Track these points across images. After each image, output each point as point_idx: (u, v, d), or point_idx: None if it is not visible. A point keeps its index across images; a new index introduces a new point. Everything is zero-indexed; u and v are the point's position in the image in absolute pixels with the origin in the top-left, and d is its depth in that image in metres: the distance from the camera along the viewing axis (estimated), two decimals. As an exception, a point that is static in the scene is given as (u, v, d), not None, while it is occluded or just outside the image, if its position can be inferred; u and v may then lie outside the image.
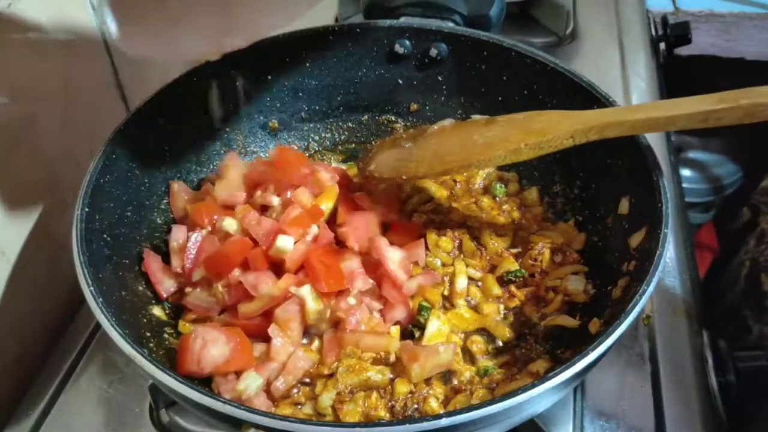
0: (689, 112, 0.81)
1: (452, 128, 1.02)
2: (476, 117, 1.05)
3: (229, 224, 0.98)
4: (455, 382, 0.89)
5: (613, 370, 0.98)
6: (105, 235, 0.90)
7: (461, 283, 0.99)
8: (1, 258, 0.96)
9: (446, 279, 1.01)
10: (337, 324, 0.92)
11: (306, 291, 0.90)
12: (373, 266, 0.97)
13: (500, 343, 0.96)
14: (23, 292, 1.01)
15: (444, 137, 1.00)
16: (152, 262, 0.97)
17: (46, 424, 0.95)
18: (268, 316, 0.91)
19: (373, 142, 1.26)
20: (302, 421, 0.66)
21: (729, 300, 1.29)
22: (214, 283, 0.94)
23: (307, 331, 0.93)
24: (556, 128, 0.88)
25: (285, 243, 0.93)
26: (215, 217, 1.00)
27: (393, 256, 0.96)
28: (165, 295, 0.97)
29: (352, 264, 0.95)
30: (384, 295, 0.94)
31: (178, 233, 1.00)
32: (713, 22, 1.93)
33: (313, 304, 0.90)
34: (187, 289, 0.97)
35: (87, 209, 0.86)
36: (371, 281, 0.95)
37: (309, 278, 0.92)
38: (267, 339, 0.89)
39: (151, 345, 0.89)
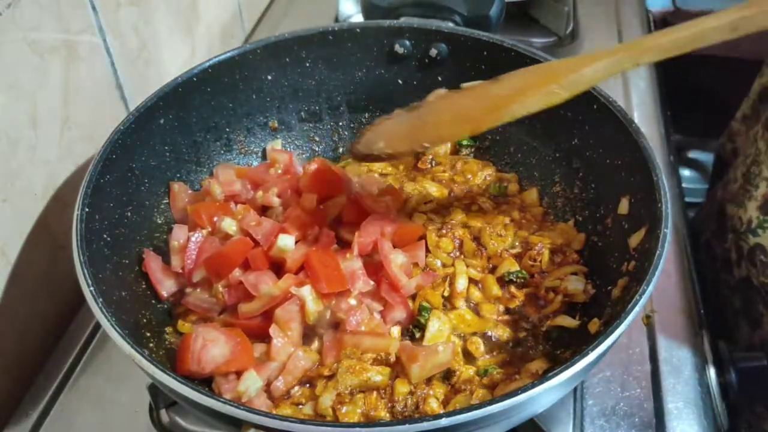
0: (717, 25, 0.78)
1: (461, 92, 0.95)
2: (476, 82, 0.95)
3: (229, 225, 0.98)
4: (455, 382, 0.89)
5: (613, 370, 0.98)
6: (105, 235, 0.90)
7: (461, 283, 0.99)
8: (1, 258, 0.96)
9: (446, 280, 1.01)
10: (337, 325, 0.92)
11: (306, 291, 0.90)
12: (374, 267, 0.97)
13: (500, 343, 0.96)
14: (23, 292, 1.01)
15: (457, 99, 0.93)
16: (152, 263, 0.97)
17: (46, 424, 0.95)
18: (268, 316, 0.91)
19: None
20: (302, 421, 0.66)
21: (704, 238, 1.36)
22: (215, 283, 0.94)
23: (308, 332, 0.93)
24: (588, 64, 0.84)
25: (286, 242, 0.93)
26: (215, 217, 1.00)
27: (396, 259, 0.96)
28: (165, 296, 0.97)
29: (353, 265, 0.95)
30: (383, 296, 0.94)
31: (179, 233, 1.00)
32: (713, 22, 1.93)
33: (313, 305, 0.90)
34: (188, 290, 0.97)
35: (87, 209, 0.86)
36: (372, 282, 0.95)
37: (309, 279, 0.92)
38: (267, 339, 0.89)
39: (151, 345, 0.89)
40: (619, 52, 0.84)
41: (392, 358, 0.88)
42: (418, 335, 0.94)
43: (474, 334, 0.96)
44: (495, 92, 0.89)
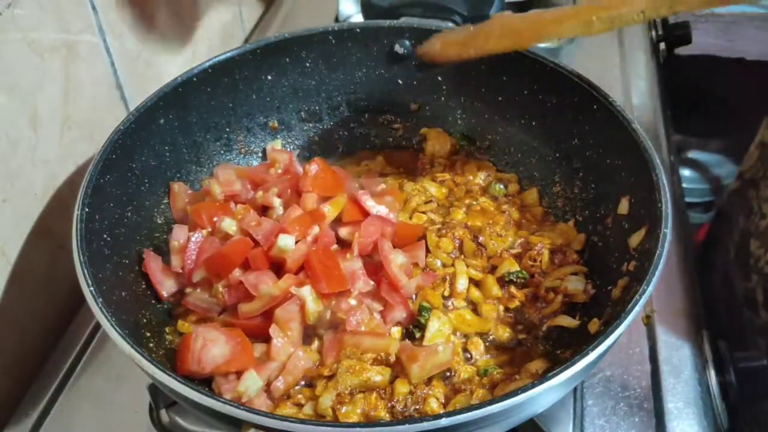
0: None
1: (516, 15, 1.04)
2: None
3: (229, 225, 0.98)
4: (455, 382, 0.89)
5: (613, 370, 0.98)
6: (105, 235, 0.90)
7: (462, 283, 0.99)
8: (1, 258, 0.96)
9: (446, 280, 1.01)
10: (337, 325, 0.92)
11: (306, 291, 0.90)
12: (374, 267, 0.97)
13: (500, 343, 0.96)
14: (23, 292, 1.01)
15: (509, 19, 1.03)
16: (152, 263, 0.97)
17: (46, 424, 0.95)
18: (268, 316, 0.91)
19: (374, 142, 1.26)
20: (302, 421, 0.66)
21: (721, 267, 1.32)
22: (215, 283, 0.94)
23: (308, 332, 0.93)
24: (629, 3, 0.90)
25: (286, 242, 0.93)
26: (215, 217, 1.00)
27: (396, 259, 0.96)
28: (165, 296, 0.97)
29: (353, 265, 0.95)
30: (383, 296, 0.94)
31: (179, 233, 1.00)
32: (713, 22, 1.93)
33: (313, 305, 0.90)
34: (188, 290, 0.97)
35: (87, 209, 0.86)
36: (372, 282, 0.95)
37: (309, 279, 0.92)
38: (267, 339, 0.89)
39: (151, 345, 0.89)
40: None
41: (392, 358, 0.88)
42: (418, 335, 0.94)
43: (474, 334, 0.96)
44: (541, 17, 0.99)
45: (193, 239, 0.98)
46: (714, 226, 1.46)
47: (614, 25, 0.91)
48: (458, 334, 0.96)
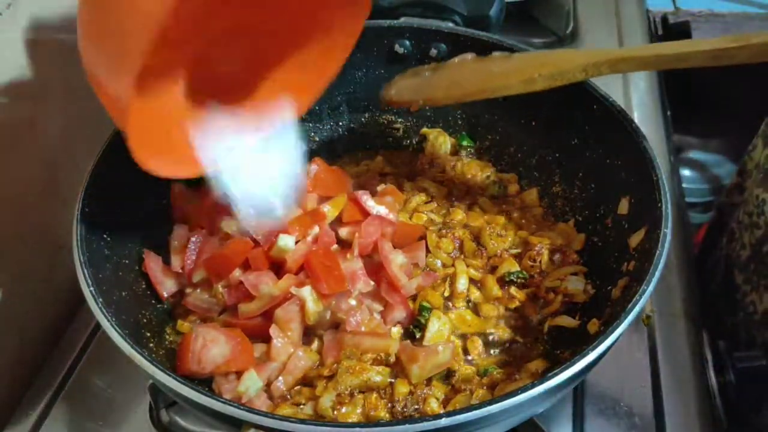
0: (701, 50, 0.82)
1: (472, 61, 1.06)
2: (497, 53, 1.08)
3: (229, 225, 0.98)
4: (455, 382, 0.89)
5: (613, 370, 0.98)
6: (105, 235, 0.90)
7: (462, 283, 0.99)
8: (1, 258, 0.96)
9: (447, 280, 1.01)
10: (337, 325, 0.92)
11: (306, 292, 0.90)
12: (374, 268, 0.97)
13: (500, 343, 0.96)
14: (23, 292, 1.01)
15: (462, 67, 1.06)
16: (152, 263, 0.97)
17: (46, 424, 0.95)
18: (268, 316, 0.91)
19: (374, 142, 1.26)
20: (302, 421, 0.66)
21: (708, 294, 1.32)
22: (215, 283, 0.94)
23: (308, 332, 0.93)
24: (571, 61, 0.92)
25: (287, 242, 0.93)
26: (215, 217, 1.00)
27: (396, 259, 0.96)
28: (165, 296, 0.97)
29: (354, 265, 0.95)
30: (383, 297, 0.94)
31: (179, 233, 1.00)
32: (713, 22, 1.93)
33: (313, 305, 0.90)
34: (188, 290, 0.97)
35: (87, 209, 0.86)
36: (372, 283, 0.95)
37: (310, 279, 0.92)
38: (267, 339, 0.89)
39: (151, 345, 0.89)
40: (599, 56, 0.90)
41: (392, 359, 0.88)
42: (418, 335, 0.94)
43: (474, 334, 0.96)
44: (488, 69, 1.02)
45: (193, 239, 0.98)
46: (717, 212, 1.46)
47: (556, 82, 0.93)
48: (459, 334, 0.96)
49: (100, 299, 0.77)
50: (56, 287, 1.08)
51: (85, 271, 0.80)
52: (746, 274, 1.15)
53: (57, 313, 1.09)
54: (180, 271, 0.97)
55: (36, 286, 1.04)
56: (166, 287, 0.97)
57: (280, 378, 0.87)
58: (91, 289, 0.78)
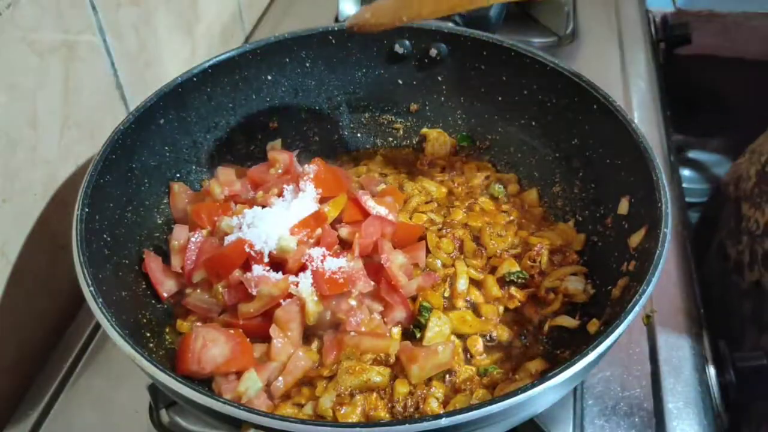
0: None
1: None
2: None
3: (229, 224, 0.98)
4: (455, 382, 0.89)
5: (613, 370, 0.98)
6: (105, 235, 0.90)
7: (462, 284, 0.99)
8: (1, 258, 0.96)
9: (447, 280, 1.01)
10: (337, 325, 0.92)
11: (306, 292, 0.90)
12: (374, 268, 0.97)
13: (500, 344, 0.96)
14: (23, 292, 1.01)
15: None
16: (152, 263, 0.97)
17: (46, 424, 0.95)
18: (268, 316, 0.91)
19: (374, 142, 1.26)
20: (302, 422, 0.66)
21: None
22: (215, 283, 0.94)
23: (308, 332, 0.93)
24: None
25: (288, 242, 0.93)
26: (215, 217, 1.00)
27: (396, 260, 0.96)
28: (165, 296, 0.97)
29: (354, 266, 0.95)
30: (383, 297, 0.94)
31: (179, 233, 1.00)
32: (713, 22, 1.93)
33: (313, 306, 0.89)
34: (188, 290, 0.97)
35: (87, 209, 0.86)
36: (372, 283, 0.95)
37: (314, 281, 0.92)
38: (267, 339, 0.89)
39: (151, 345, 0.89)
40: None
41: (392, 359, 0.88)
42: (418, 335, 0.94)
43: (474, 334, 0.96)
44: None
45: (193, 239, 0.98)
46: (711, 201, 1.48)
47: None
48: (459, 334, 0.96)
49: (100, 299, 0.77)
50: (56, 287, 1.08)
51: (85, 271, 0.80)
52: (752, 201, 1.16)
53: (57, 313, 1.09)
54: (180, 271, 0.97)
55: (36, 287, 1.04)
56: (166, 287, 0.97)
57: (280, 378, 0.87)
58: (91, 289, 0.78)
